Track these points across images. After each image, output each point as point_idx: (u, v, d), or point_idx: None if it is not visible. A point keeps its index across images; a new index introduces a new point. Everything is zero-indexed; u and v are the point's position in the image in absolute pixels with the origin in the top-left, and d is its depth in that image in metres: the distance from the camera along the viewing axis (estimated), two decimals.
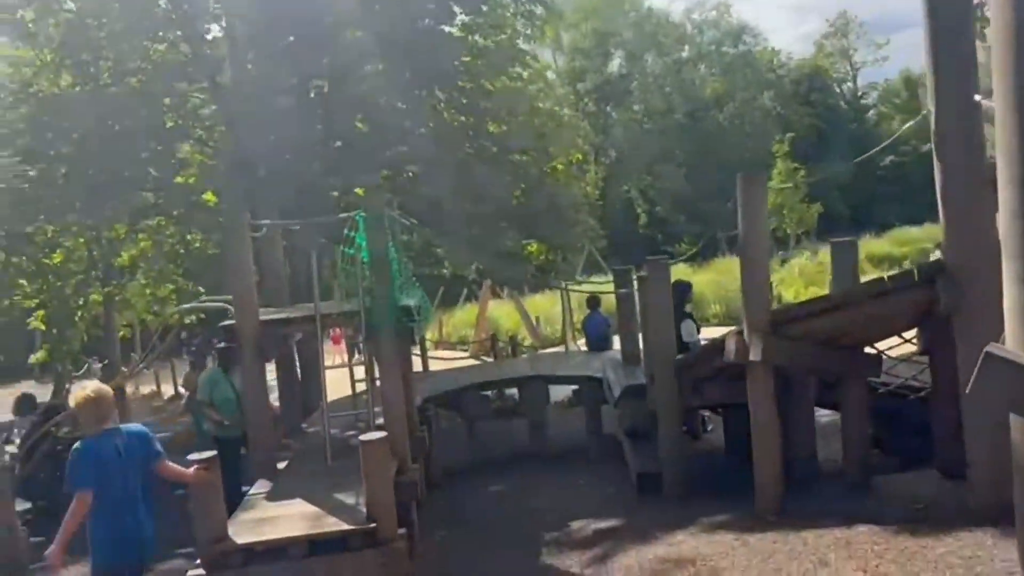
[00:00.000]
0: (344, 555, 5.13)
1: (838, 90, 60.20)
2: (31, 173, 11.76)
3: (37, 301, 14.67)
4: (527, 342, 20.28)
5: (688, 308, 8.93)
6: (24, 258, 13.72)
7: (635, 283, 9.79)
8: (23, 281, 14.24)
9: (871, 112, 60.48)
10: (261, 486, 6.22)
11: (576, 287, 15.48)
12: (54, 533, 4.20)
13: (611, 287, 12.86)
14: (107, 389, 4.46)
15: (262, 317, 6.48)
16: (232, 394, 7.37)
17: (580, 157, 19.22)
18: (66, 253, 13.74)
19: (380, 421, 6.59)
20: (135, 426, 4.60)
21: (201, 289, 15.12)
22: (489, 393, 10.99)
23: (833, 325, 6.07)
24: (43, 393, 14.67)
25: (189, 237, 14.21)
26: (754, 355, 5.89)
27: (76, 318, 15.71)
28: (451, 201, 13.17)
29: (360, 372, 7.37)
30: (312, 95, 12.96)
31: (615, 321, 12.12)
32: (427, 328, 9.07)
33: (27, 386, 20.77)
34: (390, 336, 6.35)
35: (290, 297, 8.00)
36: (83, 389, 4.38)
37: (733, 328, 6.58)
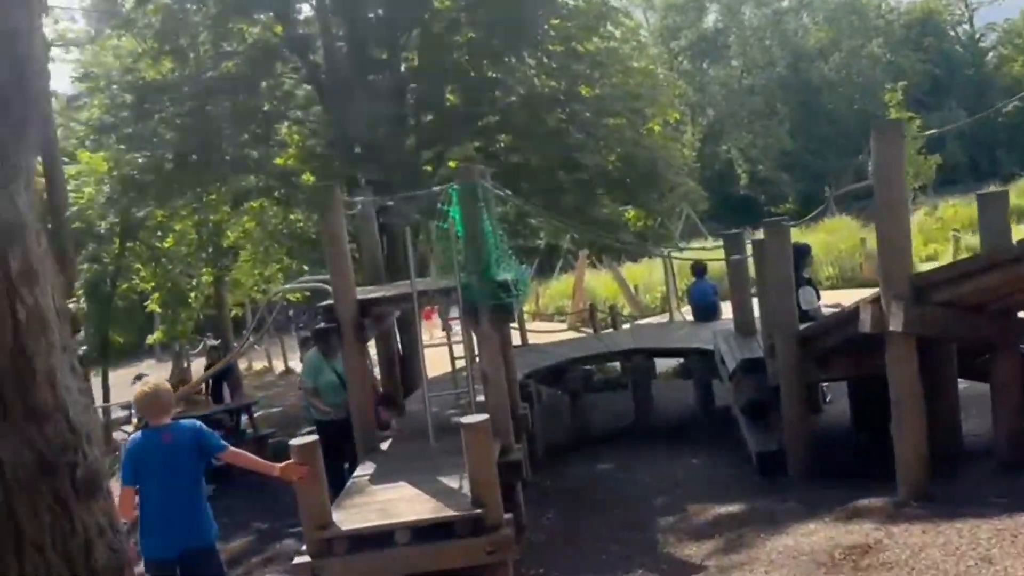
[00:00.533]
0: (451, 542, 4.89)
1: (953, 33, 55.81)
2: (140, 160, 12.06)
3: (153, 284, 15.24)
4: (626, 311, 19.73)
5: (807, 273, 8.22)
6: (138, 243, 14.21)
7: (748, 248, 9.10)
8: (139, 265, 14.80)
9: (990, 55, 55.81)
10: (365, 468, 6.06)
11: (678, 254, 14.74)
12: None
13: (714, 252, 12.16)
14: (166, 386, 4.48)
15: (359, 296, 6.28)
16: (335, 377, 7.25)
17: (677, 117, 18.35)
18: (176, 237, 14.11)
19: (481, 398, 6.31)
20: (187, 421, 4.54)
21: (306, 268, 15.32)
22: (592, 367, 10.57)
23: (984, 288, 5.34)
24: (163, 371, 15.24)
25: (292, 217, 14.37)
26: (894, 325, 5.23)
27: (190, 299, 16.28)
28: (545, 169, 12.79)
29: (460, 350, 7.10)
30: (403, 69, 12.75)
31: (723, 289, 11.46)
32: (525, 302, 8.71)
33: (147, 366, 21.82)
34: (488, 312, 6.03)
35: (387, 274, 7.81)
36: (143, 385, 4.40)
37: (867, 295, 5.92)
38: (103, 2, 12.51)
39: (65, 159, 16.34)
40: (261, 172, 12.29)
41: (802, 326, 6.96)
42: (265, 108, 12.44)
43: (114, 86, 11.63)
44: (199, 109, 11.21)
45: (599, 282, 23.09)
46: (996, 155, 46.28)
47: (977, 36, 56.12)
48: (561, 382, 9.55)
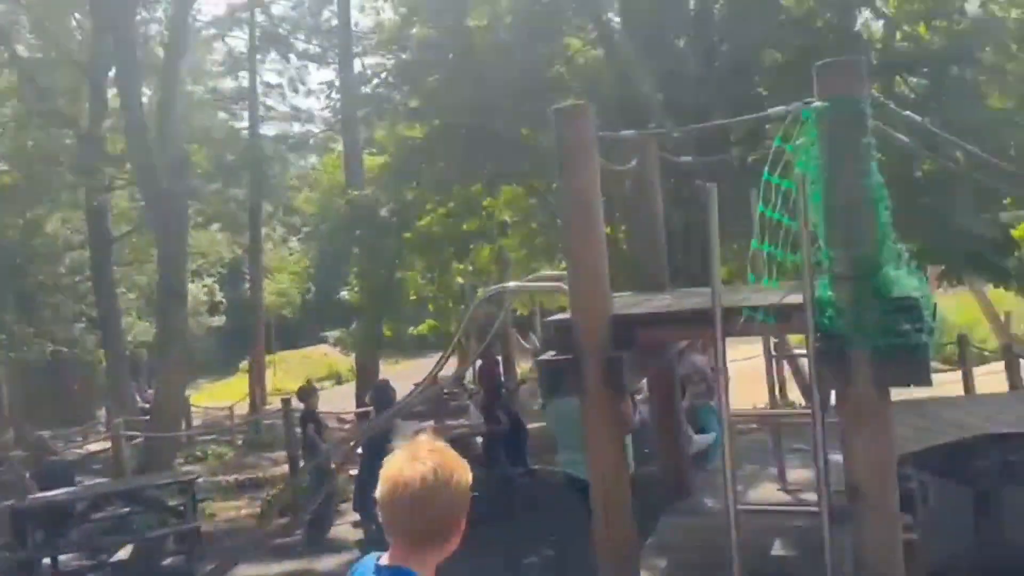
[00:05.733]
0: None
1: None
2: (412, 135, 10.50)
3: (419, 274, 13.64)
4: (990, 346, 14.45)
5: None
6: (412, 234, 12.70)
7: None
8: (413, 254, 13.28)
9: None
10: None
11: None
12: None
13: None
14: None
15: (617, 311, 3.37)
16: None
17: None
18: (438, 221, 12.22)
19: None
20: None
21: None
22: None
23: None
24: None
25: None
26: None
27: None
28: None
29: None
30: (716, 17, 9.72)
31: None
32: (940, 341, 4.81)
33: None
34: (871, 359, 2.82)
35: (670, 277, 4.62)
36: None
37: None
38: None
39: None
40: (532, 155, 9.97)
41: None
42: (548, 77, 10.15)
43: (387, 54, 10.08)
44: (468, 76, 9.20)
45: (950, 304, 17.52)
46: None
47: None
48: (962, 472, 5.41)
